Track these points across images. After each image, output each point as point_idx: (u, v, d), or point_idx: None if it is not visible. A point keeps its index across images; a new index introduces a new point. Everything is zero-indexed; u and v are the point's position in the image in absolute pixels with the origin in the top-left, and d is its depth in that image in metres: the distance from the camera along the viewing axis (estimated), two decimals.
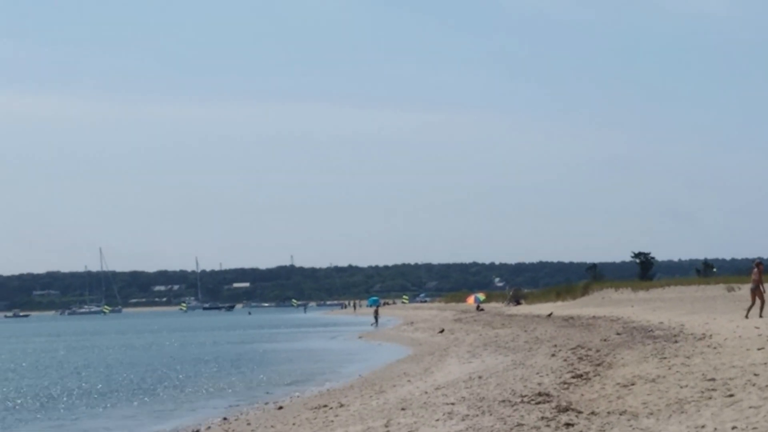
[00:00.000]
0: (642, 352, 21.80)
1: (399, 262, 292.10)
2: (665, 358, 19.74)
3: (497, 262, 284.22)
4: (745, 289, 41.55)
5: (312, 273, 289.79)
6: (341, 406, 20.07)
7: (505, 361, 25.71)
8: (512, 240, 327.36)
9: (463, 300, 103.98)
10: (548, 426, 12.94)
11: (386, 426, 15.11)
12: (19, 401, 28.38)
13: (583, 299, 70.72)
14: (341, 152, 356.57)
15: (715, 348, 20.55)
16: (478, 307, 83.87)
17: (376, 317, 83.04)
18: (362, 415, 17.47)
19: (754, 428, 11.21)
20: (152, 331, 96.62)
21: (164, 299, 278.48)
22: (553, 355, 25.02)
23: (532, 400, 15.76)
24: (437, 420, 14.74)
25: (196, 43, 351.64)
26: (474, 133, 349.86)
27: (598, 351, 24.15)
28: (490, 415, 14.49)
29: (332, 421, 17.58)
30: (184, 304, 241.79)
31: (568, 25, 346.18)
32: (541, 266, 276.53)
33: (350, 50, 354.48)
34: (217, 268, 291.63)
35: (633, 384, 16.23)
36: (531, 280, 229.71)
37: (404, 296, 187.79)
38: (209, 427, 20.58)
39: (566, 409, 14.26)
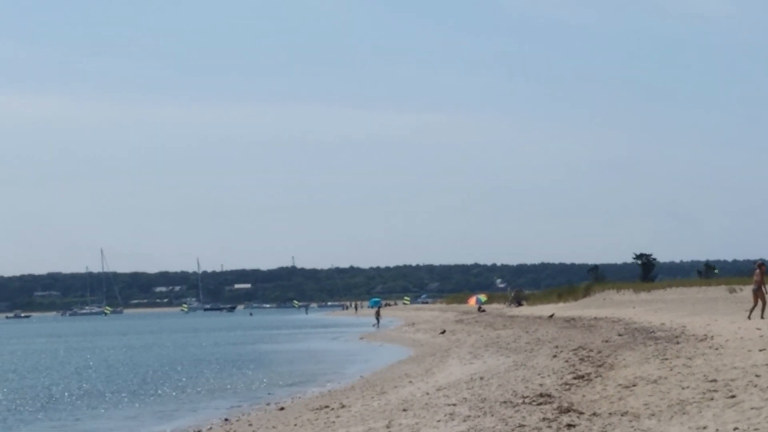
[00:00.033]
0: (643, 354, 21.80)
1: (400, 263, 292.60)
2: (667, 359, 19.74)
3: (499, 263, 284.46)
4: (747, 291, 41.53)
5: (313, 274, 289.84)
6: (343, 406, 20.07)
7: (507, 362, 25.70)
8: (514, 241, 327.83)
9: (465, 301, 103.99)
10: (550, 427, 12.95)
11: (388, 427, 15.11)
12: (20, 402, 28.38)
13: (585, 300, 70.72)
14: (342, 153, 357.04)
15: (716, 349, 20.55)
16: (479, 309, 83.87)
17: (377, 318, 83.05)
18: (364, 416, 17.47)
19: (756, 429, 11.21)
20: (153, 331, 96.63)
21: (165, 300, 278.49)
22: (554, 356, 25.01)
23: (534, 401, 15.76)
24: (439, 421, 14.74)
25: (197, 43, 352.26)
26: (475, 133, 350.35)
27: (599, 352, 24.15)
28: (492, 416, 14.49)
29: (334, 422, 17.57)
30: (185, 305, 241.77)
31: (569, 26, 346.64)
32: (543, 267, 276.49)
33: (350, 51, 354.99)
34: (218, 269, 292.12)
35: (634, 385, 16.23)
36: (532, 282, 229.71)
37: (405, 297, 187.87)
38: (211, 428, 20.58)
39: (568, 410, 14.26)
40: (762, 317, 28.74)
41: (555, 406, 14.88)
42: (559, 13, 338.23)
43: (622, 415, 13.42)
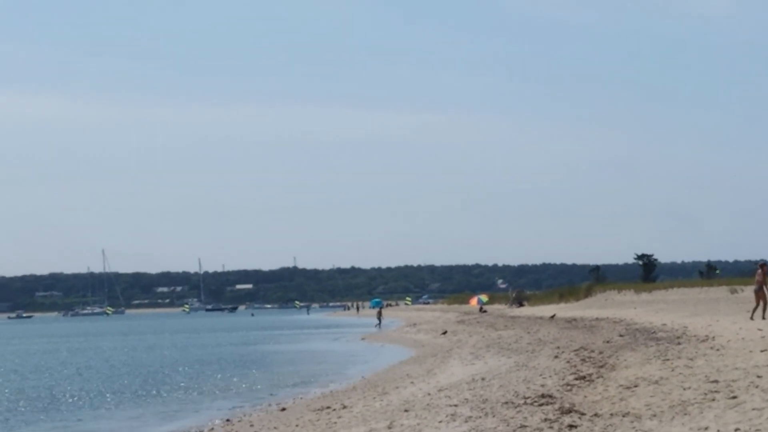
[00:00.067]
0: (645, 354, 21.81)
1: (402, 263, 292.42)
2: (668, 359, 19.75)
3: (500, 264, 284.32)
4: (748, 291, 41.53)
5: (315, 275, 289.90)
6: (344, 407, 20.08)
7: (508, 363, 25.71)
8: (515, 242, 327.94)
9: (466, 302, 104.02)
10: (551, 428, 12.96)
11: (389, 427, 15.13)
12: (22, 402, 28.40)
13: (586, 301, 70.72)
14: (344, 153, 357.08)
15: (718, 350, 20.56)
16: (480, 309, 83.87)
17: (379, 319, 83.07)
18: (365, 417, 17.48)
19: (757, 430, 11.21)
20: (155, 332, 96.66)
21: (167, 301, 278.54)
22: (556, 356, 25.03)
23: (535, 401, 15.77)
24: (440, 422, 14.75)
25: (197, 43, 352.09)
26: (475, 133, 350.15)
27: (601, 353, 24.16)
28: (493, 416, 14.50)
29: (335, 422, 17.59)
30: (186, 306, 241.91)
31: (570, 26, 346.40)
32: (544, 268, 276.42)
33: (351, 51, 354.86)
34: (219, 269, 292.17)
35: (636, 386, 16.24)
36: (534, 282, 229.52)
37: (407, 298, 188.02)
38: (212, 429, 20.60)
39: (569, 411, 14.27)
40: (764, 318, 28.74)
41: (556, 406, 14.89)
42: (559, 13, 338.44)
43: (623, 416, 13.43)
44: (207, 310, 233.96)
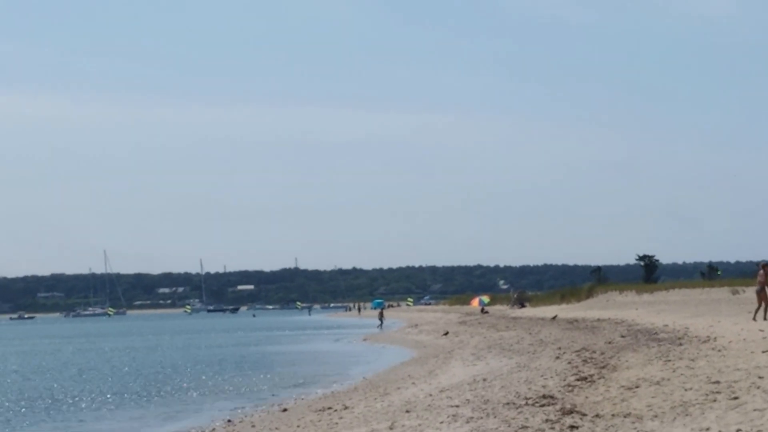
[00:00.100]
0: (646, 355, 21.81)
1: (403, 264, 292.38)
2: (670, 360, 19.75)
3: (501, 265, 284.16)
4: (750, 292, 41.54)
5: (316, 275, 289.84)
6: (345, 408, 20.09)
7: (510, 364, 25.72)
8: (517, 242, 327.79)
9: (468, 302, 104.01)
10: (552, 428, 12.96)
11: (390, 428, 15.13)
12: (24, 403, 28.41)
13: (588, 302, 70.69)
14: (344, 154, 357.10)
15: (719, 351, 20.56)
16: (482, 310, 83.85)
17: (381, 319, 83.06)
18: (366, 418, 17.49)
19: (759, 431, 11.22)
20: (157, 333, 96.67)
21: (168, 301, 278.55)
22: (557, 357, 25.03)
23: (537, 402, 15.77)
24: (441, 422, 14.75)
25: (197, 44, 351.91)
26: (477, 134, 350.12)
27: (602, 353, 24.16)
28: (495, 417, 14.50)
29: (336, 423, 17.60)
30: (188, 307, 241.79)
31: (569, 26, 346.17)
32: (546, 269, 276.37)
33: (351, 51, 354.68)
34: (221, 270, 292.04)
35: (637, 386, 16.24)
36: (535, 283, 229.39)
37: (408, 299, 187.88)
38: (214, 429, 20.62)
39: (570, 412, 14.27)
40: (765, 318, 28.73)
41: (558, 407, 14.89)
42: (559, 13, 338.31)
43: (624, 417, 13.44)
44: (208, 311, 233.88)
